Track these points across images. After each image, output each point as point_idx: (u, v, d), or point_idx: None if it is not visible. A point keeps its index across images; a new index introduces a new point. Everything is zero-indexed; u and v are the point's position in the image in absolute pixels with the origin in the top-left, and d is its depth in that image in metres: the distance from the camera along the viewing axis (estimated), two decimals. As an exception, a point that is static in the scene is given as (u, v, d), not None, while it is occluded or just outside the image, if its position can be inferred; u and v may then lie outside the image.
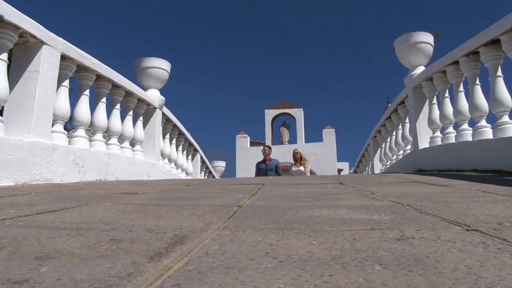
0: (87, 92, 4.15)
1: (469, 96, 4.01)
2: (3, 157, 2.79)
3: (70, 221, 1.24)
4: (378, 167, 8.42)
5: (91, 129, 4.47)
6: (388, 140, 7.54)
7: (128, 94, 5.07)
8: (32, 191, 2.36)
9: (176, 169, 7.12)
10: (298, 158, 7.74)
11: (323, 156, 18.77)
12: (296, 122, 20.10)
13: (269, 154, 7.82)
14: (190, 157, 8.57)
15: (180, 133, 7.44)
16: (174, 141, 7.15)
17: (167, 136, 6.75)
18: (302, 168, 7.56)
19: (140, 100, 5.44)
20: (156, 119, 5.86)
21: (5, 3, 2.86)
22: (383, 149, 8.00)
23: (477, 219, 1.18)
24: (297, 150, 7.94)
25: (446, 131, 4.63)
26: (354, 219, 1.24)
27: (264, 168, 7.72)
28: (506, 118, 3.55)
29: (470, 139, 4.04)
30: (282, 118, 21.28)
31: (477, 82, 3.96)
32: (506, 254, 0.78)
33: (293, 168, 7.68)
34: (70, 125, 9.09)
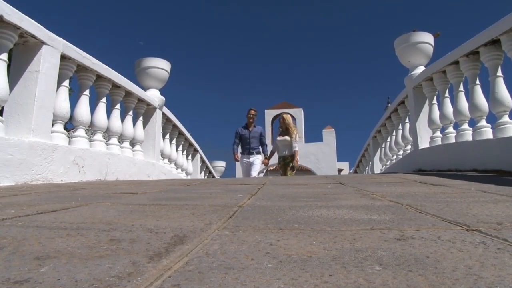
0: (87, 92, 4.15)
1: (469, 96, 4.01)
2: (3, 157, 2.79)
3: (70, 221, 1.24)
4: (378, 167, 8.41)
5: (91, 129, 4.47)
6: (388, 140, 7.54)
7: (128, 94, 5.07)
8: (32, 191, 2.36)
9: (176, 169, 7.12)
10: (284, 126, 6.44)
11: (323, 156, 18.81)
12: (296, 122, 20.09)
13: (255, 116, 6.68)
14: (190, 157, 8.57)
15: (180, 133, 7.45)
16: (174, 141, 7.15)
17: (167, 136, 6.75)
18: (287, 137, 6.38)
19: (140, 100, 5.44)
20: (156, 119, 5.87)
21: (5, 3, 2.86)
22: (383, 149, 8.00)
23: (477, 219, 1.18)
24: (283, 115, 6.61)
25: (446, 131, 4.63)
26: (354, 219, 1.24)
27: (247, 135, 6.58)
28: (506, 118, 3.55)
29: (470, 139, 4.04)
30: (282, 118, 21.29)
31: (477, 82, 3.97)
32: (506, 254, 0.78)
33: (278, 138, 6.55)
34: (70, 125, 9.09)
